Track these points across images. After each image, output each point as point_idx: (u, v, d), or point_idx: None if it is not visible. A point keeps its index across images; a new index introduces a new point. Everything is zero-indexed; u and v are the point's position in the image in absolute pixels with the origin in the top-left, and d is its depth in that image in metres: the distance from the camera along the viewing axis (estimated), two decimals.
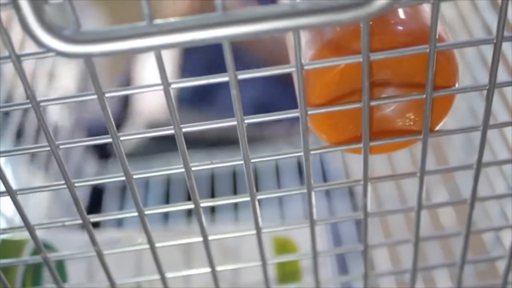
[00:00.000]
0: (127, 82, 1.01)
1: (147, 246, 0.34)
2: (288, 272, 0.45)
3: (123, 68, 1.02)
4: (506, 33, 0.28)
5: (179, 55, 1.01)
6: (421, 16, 0.31)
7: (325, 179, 0.82)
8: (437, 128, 0.33)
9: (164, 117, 0.93)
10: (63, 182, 0.31)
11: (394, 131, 0.33)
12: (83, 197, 0.79)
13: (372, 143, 0.31)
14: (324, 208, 0.78)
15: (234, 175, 0.82)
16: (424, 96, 0.30)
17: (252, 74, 0.28)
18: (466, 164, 0.33)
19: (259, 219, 0.34)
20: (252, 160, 0.31)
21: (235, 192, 0.79)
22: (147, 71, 1.01)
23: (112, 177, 0.32)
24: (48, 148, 0.30)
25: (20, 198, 0.32)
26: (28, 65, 0.65)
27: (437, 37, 0.28)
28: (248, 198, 0.33)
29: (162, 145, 0.81)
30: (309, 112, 0.30)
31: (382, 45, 0.29)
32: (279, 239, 0.46)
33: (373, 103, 0.30)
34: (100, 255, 0.35)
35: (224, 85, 0.28)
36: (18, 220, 0.33)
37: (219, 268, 0.36)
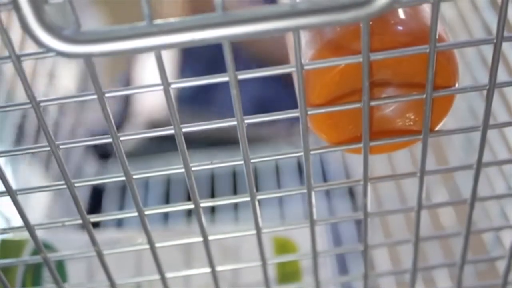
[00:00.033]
0: (127, 82, 1.01)
1: (147, 246, 0.34)
2: (288, 272, 0.45)
3: (123, 68, 1.02)
4: (506, 33, 0.28)
5: (179, 54, 1.01)
6: (421, 16, 0.31)
7: (325, 179, 0.82)
8: (437, 128, 0.33)
9: (164, 116, 0.92)
10: (63, 182, 0.31)
11: (394, 131, 0.33)
12: (83, 197, 0.79)
13: (372, 143, 0.31)
14: (324, 208, 0.78)
15: (234, 175, 0.82)
16: (424, 96, 0.30)
17: (252, 74, 0.28)
18: (466, 164, 0.33)
19: (259, 219, 0.34)
20: (252, 160, 0.31)
21: (235, 192, 0.79)
22: (147, 71, 1.01)
23: (112, 177, 0.32)
24: (48, 148, 0.30)
25: (20, 198, 0.32)
26: (28, 65, 0.65)
27: (437, 37, 0.28)
28: (248, 198, 0.33)
29: (162, 145, 0.81)
30: (309, 112, 0.30)
31: (382, 45, 0.29)
32: (279, 239, 0.46)
33: (373, 103, 0.30)
34: (100, 255, 0.35)
35: (224, 84, 0.28)
36: (17, 220, 0.33)
37: (219, 268, 0.36)
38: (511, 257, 0.39)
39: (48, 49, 0.23)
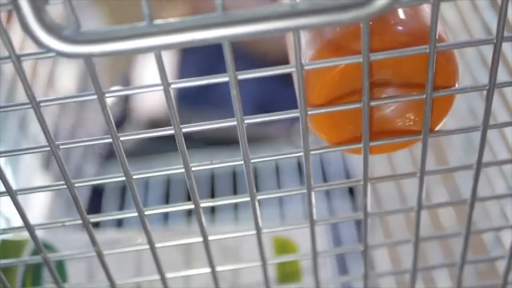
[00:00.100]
0: (127, 81, 1.01)
1: (147, 246, 0.34)
2: (288, 272, 0.45)
3: (123, 68, 1.02)
4: (506, 33, 0.28)
5: (177, 53, 1.01)
6: (421, 16, 0.31)
7: (325, 179, 0.82)
8: (437, 128, 0.33)
9: (164, 116, 0.92)
10: (63, 182, 0.31)
11: (394, 131, 0.33)
12: (83, 197, 0.79)
13: (372, 143, 0.31)
14: (324, 208, 0.78)
15: (234, 175, 0.82)
16: (424, 96, 0.30)
17: (252, 74, 0.28)
18: (466, 164, 0.33)
19: (259, 219, 0.34)
20: (252, 160, 0.31)
21: (235, 192, 0.79)
22: (147, 71, 1.01)
23: (112, 177, 0.32)
24: (48, 148, 0.30)
25: (20, 198, 0.32)
26: (28, 65, 0.65)
27: (437, 37, 0.28)
28: (248, 198, 0.33)
29: (162, 145, 0.81)
30: (309, 112, 0.30)
31: (382, 45, 0.29)
32: (279, 239, 0.46)
33: (373, 103, 0.30)
34: (100, 255, 0.35)
35: (224, 83, 0.28)
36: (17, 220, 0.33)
37: (219, 268, 0.36)
38: (511, 257, 0.39)
39: (48, 49, 0.23)
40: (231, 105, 0.28)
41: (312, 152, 0.31)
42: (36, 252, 0.37)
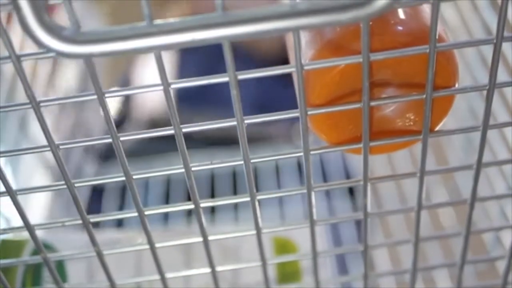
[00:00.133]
0: (127, 81, 1.01)
1: (147, 246, 0.34)
2: (288, 272, 0.45)
3: (123, 68, 1.02)
4: (506, 33, 0.28)
5: (177, 53, 1.01)
6: (421, 16, 0.31)
7: (325, 179, 0.82)
8: (437, 128, 0.33)
9: (164, 115, 0.92)
10: (63, 182, 0.31)
11: (394, 131, 0.33)
12: (83, 197, 0.79)
13: (372, 143, 0.31)
14: (324, 208, 0.78)
15: (234, 175, 0.82)
16: (424, 96, 0.30)
17: (252, 74, 0.28)
18: (466, 164, 0.33)
19: (259, 219, 0.34)
20: (252, 160, 0.31)
21: (235, 192, 0.79)
22: (147, 71, 1.01)
23: (112, 177, 0.32)
24: (48, 148, 0.30)
25: (20, 198, 0.32)
26: (28, 65, 0.65)
27: (437, 37, 0.28)
28: (248, 199, 0.33)
29: (162, 145, 0.81)
30: (309, 112, 0.30)
31: (382, 45, 0.29)
32: (279, 239, 0.46)
33: (373, 103, 0.30)
34: (100, 255, 0.35)
35: (224, 83, 0.28)
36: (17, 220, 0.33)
37: (219, 268, 0.36)
38: (511, 257, 0.39)
39: (48, 49, 0.23)
40: (231, 105, 0.28)
41: (312, 152, 0.31)
42: (36, 252, 0.37)
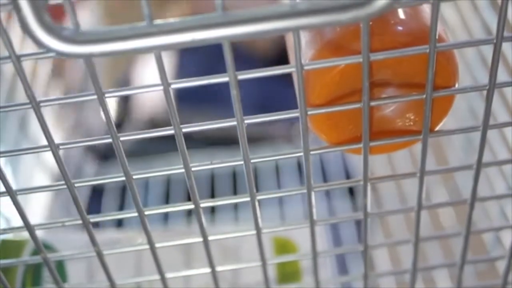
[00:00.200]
0: (127, 81, 1.01)
1: (147, 246, 0.34)
2: (288, 272, 0.45)
3: (123, 68, 1.02)
4: (506, 33, 0.28)
5: (177, 53, 1.01)
6: (421, 16, 0.31)
7: (325, 179, 0.82)
8: (437, 128, 0.33)
9: (164, 115, 0.92)
10: (63, 182, 0.31)
11: (394, 131, 0.33)
12: (83, 197, 0.79)
13: (372, 143, 0.31)
14: (324, 208, 0.78)
15: (234, 175, 0.82)
16: (424, 96, 0.30)
17: (252, 74, 0.28)
18: (466, 164, 0.33)
19: (259, 219, 0.34)
20: (252, 160, 0.31)
21: (235, 192, 0.79)
22: (147, 71, 1.01)
23: (112, 177, 0.32)
24: (48, 148, 0.30)
25: (20, 198, 0.32)
26: (28, 65, 0.65)
27: (437, 37, 0.28)
28: (248, 198, 0.33)
29: (162, 145, 0.81)
30: (309, 112, 0.30)
31: (382, 45, 0.29)
32: (279, 239, 0.46)
33: (373, 103, 0.30)
34: (100, 255, 0.35)
35: (224, 83, 0.28)
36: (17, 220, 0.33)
37: (219, 268, 0.36)
38: (511, 257, 0.39)
39: (48, 49, 0.23)
40: (231, 105, 0.28)
41: (312, 152, 0.31)
42: (36, 252, 0.37)
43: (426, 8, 0.31)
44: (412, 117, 0.32)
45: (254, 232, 0.34)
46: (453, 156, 0.60)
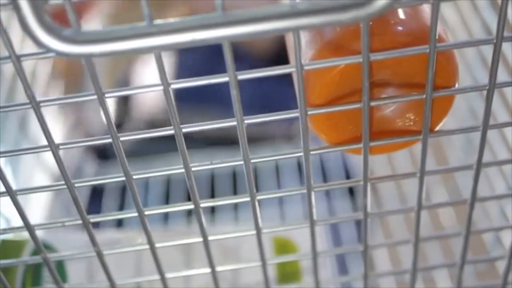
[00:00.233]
0: (127, 81, 1.01)
1: (147, 246, 0.34)
2: (288, 272, 0.45)
3: (123, 68, 1.02)
4: (506, 33, 0.28)
5: (177, 53, 1.01)
6: (421, 17, 0.31)
7: (325, 179, 0.82)
8: (437, 128, 0.33)
9: (164, 115, 0.92)
10: (63, 182, 0.31)
11: (394, 131, 0.33)
12: (83, 197, 0.79)
13: (372, 143, 0.31)
14: (324, 208, 0.78)
15: (234, 175, 0.82)
16: (424, 96, 0.30)
17: (252, 74, 0.28)
18: (466, 164, 0.33)
19: (259, 219, 0.34)
20: (252, 160, 0.31)
21: (235, 192, 0.79)
22: (147, 71, 1.01)
23: (112, 177, 0.32)
24: (48, 148, 0.30)
25: (20, 198, 0.32)
26: (28, 65, 0.65)
27: (437, 37, 0.28)
28: (248, 198, 0.33)
29: (162, 145, 0.81)
30: (309, 112, 0.30)
31: (382, 45, 0.29)
32: (279, 239, 0.46)
33: (373, 103, 0.30)
34: (100, 255, 0.35)
35: (224, 83, 0.28)
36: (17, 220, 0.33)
37: (219, 268, 0.36)
38: (511, 257, 0.39)
39: (48, 49, 0.23)
40: (231, 105, 0.28)
41: (312, 152, 0.31)
42: (36, 252, 0.37)
43: (426, 8, 0.31)
44: (412, 117, 0.32)
45: (254, 232, 0.34)
46: (453, 156, 0.60)
